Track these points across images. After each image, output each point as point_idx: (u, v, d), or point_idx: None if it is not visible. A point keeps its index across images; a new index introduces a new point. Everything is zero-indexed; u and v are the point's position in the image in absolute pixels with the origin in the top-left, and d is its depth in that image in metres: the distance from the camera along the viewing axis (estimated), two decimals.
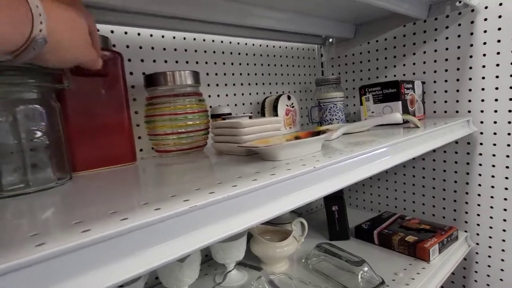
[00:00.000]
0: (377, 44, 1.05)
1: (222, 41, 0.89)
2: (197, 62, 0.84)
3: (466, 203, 0.92)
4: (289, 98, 0.92)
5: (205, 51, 0.86)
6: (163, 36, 0.77)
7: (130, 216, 0.27)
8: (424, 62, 0.95)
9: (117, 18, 0.63)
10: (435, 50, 0.92)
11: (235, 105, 0.94)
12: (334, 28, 1.01)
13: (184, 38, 0.81)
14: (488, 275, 0.90)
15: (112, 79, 0.51)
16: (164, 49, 0.77)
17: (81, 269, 0.23)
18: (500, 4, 0.79)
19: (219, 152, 0.63)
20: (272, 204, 0.36)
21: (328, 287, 0.69)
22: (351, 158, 0.47)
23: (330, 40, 1.16)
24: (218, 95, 0.89)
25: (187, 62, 0.82)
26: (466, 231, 0.93)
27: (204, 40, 0.85)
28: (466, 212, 0.92)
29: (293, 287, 0.69)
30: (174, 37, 0.79)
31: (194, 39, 0.83)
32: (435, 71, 0.93)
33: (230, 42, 0.92)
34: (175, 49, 0.80)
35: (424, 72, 0.95)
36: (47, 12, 0.30)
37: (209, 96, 0.87)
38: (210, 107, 0.87)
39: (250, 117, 0.72)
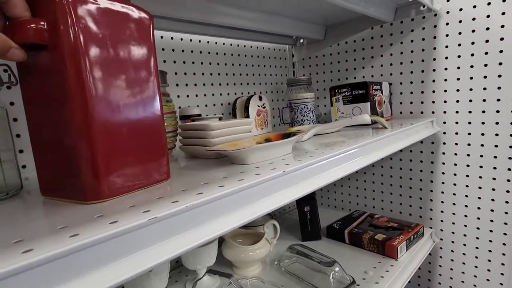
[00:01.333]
0: (346, 46, 1.07)
1: (191, 40, 0.87)
2: (164, 61, 0.81)
3: (431, 200, 0.95)
4: (260, 98, 0.90)
5: (173, 50, 0.83)
6: None
7: (81, 231, 0.24)
8: (391, 64, 0.97)
9: None
10: (401, 53, 0.95)
11: (206, 105, 0.91)
12: (304, 29, 1.02)
13: None
14: (451, 269, 0.94)
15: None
16: None
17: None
18: (460, 10, 0.82)
19: (188, 155, 0.61)
20: (241, 211, 0.35)
21: None
22: (322, 161, 0.47)
23: (301, 40, 1.16)
24: (188, 96, 0.87)
25: None
26: (431, 227, 0.96)
27: (172, 38, 0.82)
28: (431, 209, 0.96)
29: None
30: None
31: (162, 37, 0.80)
32: (401, 73, 0.95)
33: (200, 41, 0.89)
34: None
35: (391, 74, 0.97)
36: None
37: (178, 96, 0.84)
38: (179, 107, 0.84)
39: (220, 119, 0.71)
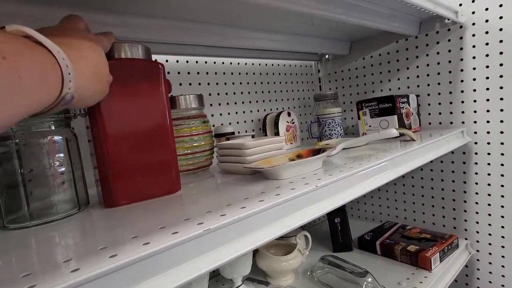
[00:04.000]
0: (371, 60, 1.09)
1: (223, 62, 0.93)
2: (199, 84, 0.88)
3: (465, 211, 0.94)
4: (289, 114, 0.95)
5: (207, 73, 0.90)
6: (167, 61, 0.81)
7: (151, 240, 0.29)
8: (418, 76, 0.98)
9: None
10: (427, 65, 0.96)
11: (237, 122, 0.97)
12: (329, 46, 1.06)
13: (187, 62, 0.85)
14: (490, 281, 0.92)
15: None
16: (168, 72, 0.81)
17: None
18: (487, 21, 0.83)
19: (224, 171, 0.66)
20: (278, 223, 0.39)
21: None
22: (351, 175, 0.50)
23: (326, 56, 1.20)
24: (221, 114, 0.93)
25: (190, 84, 0.86)
26: (466, 239, 0.95)
27: (206, 62, 0.89)
28: (465, 220, 0.94)
29: None
30: (177, 61, 0.83)
31: (197, 62, 0.87)
32: (428, 85, 0.96)
33: (231, 63, 0.95)
34: (179, 72, 0.83)
35: (418, 86, 0.99)
36: (74, 66, 0.30)
37: (212, 115, 0.91)
38: (213, 125, 0.90)
39: (253, 136, 0.76)
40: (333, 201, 0.46)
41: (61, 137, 0.44)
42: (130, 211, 0.42)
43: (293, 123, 0.96)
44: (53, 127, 0.43)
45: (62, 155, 0.43)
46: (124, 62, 0.46)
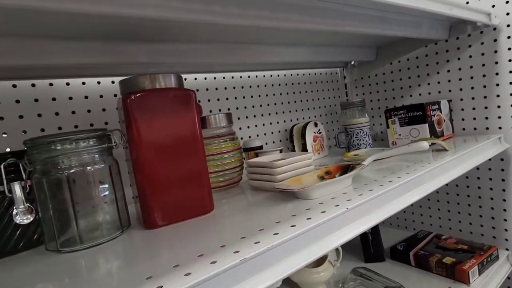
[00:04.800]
0: (399, 65, 1.07)
1: (248, 76, 0.95)
2: (227, 99, 0.90)
3: (505, 220, 0.90)
4: (316, 125, 0.95)
5: (234, 87, 0.92)
6: (195, 79, 0.84)
7: (192, 270, 0.31)
8: (449, 81, 0.95)
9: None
10: (459, 69, 0.93)
11: (265, 134, 0.99)
12: (355, 53, 1.05)
13: (214, 78, 0.88)
14: None
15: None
16: (197, 90, 0.84)
17: None
18: None
19: (254, 188, 0.68)
20: (310, 248, 0.40)
21: None
22: (382, 194, 0.50)
23: (352, 62, 1.19)
24: (248, 127, 0.95)
25: (218, 100, 0.88)
26: (507, 249, 0.90)
27: (232, 77, 0.91)
28: (506, 230, 0.90)
29: None
30: (205, 78, 0.86)
31: (224, 77, 0.90)
32: (461, 89, 0.93)
33: (256, 76, 0.97)
34: (207, 89, 0.86)
35: (450, 91, 0.96)
36: None
37: (240, 128, 0.93)
38: (241, 138, 0.92)
39: (281, 151, 0.77)
40: (365, 221, 0.47)
41: (103, 165, 0.47)
42: (169, 234, 0.44)
43: (320, 133, 0.96)
44: (97, 157, 0.46)
45: (106, 182, 0.47)
46: (159, 92, 0.48)
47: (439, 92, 0.98)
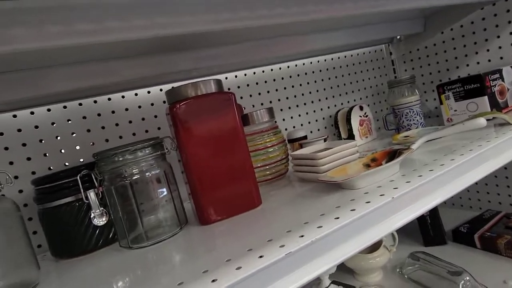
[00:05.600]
0: (452, 33, 0.98)
1: (288, 66, 0.95)
2: (268, 92, 0.92)
3: None
4: (361, 108, 0.93)
5: (273, 80, 0.93)
6: (236, 76, 0.87)
7: (243, 264, 0.34)
8: None
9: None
10: None
11: (309, 123, 0.99)
12: (401, 27, 0.98)
13: (254, 73, 0.89)
14: None
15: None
16: (238, 87, 0.87)
17: None
18: None
19: (299, 179, 0.69)
20: (355, 239, 0.40)
21: None
22: (432, 179, 0.48)
23: (398, 37, 1.12)
24: (292, 117, 0.95)
25: (259, 94, 0.90)
26: None
27: (271, 70, 0.92)
28: None
29: None
30: (245, 74, 0.88)
31: (263, 71, 0.91)
32: None
33: (296, 65, 0.97)
34: (248, 85, 0.88)
35: None
36: None
37: (283, 119, 0.94)
38: (286, 129, 0.94)
39: (325, 139, 0.77)
40: (413, 209, 0.46)
41: (159, 170, 0.52)
42: (221, 229, 0.48)
43: (366, 116, 0.93)
44: (153, 163, 0.52)
45: (162, 184, 0.52)
46: (202, 98, 0.52)
47: (501, 58, 0.89)
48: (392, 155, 0.58)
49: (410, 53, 1.11)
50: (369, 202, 0.44)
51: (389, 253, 0.81)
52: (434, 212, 0.89)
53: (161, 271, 0.39)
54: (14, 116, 0.62)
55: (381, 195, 0.45)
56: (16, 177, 0.61)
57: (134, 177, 0.50)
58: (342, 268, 0.84)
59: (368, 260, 0.79)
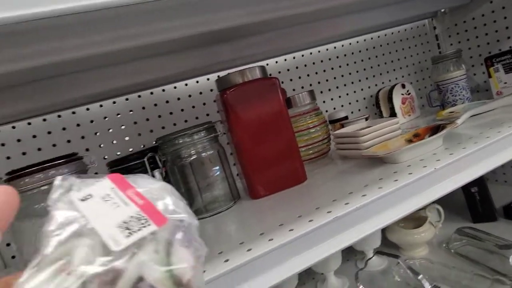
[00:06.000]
0: (502, 1, 0.93)
1: (327, 49, 0.97)
2: (308, 75, 0.94)
3: None
4: (403, 86, 0.92)
5: (313, 63, 0.95)
6: (276, 62, 0.90)
7: (295, 227, 0.39)
8: None
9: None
10: None
11: (349, 103, 1.00)
12: (446, 0, 0.95)
13: (294, 58, 0.92)
14: None
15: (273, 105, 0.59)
16: (279, 72, 0.91)
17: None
18: None
19: (341, 156, 0.72)
20: (398, 207, 0.43)
21: (475, 271, 0.69)
22: (476, 152, 0.49)
23: (442, 10, 1.07)
24: (332, 99, 0.97)
25: (299, 78, 0.93)
26: None
27: (310, 53, 0.95)
28: None
29: (435, 272, 0.73)
30: (285, 60, 0.91)
31: (302, 55, 0.93)
32: None
33: (335, 47, 0.98)
34: (288, 70, 0.92)
35: None
36: None
37: (324, 102, 0.96)
38: (326, 111, 0.96)
39: (367, 118, 0.78)
40: (455, 180, 0.47)
41: (213, 151, 0.58)
42: (271, 202, 0.53)
43: (408, 94, 0.92)
44: (208, 145, 0.58)
45: (216, 164, 0.58)
46: (249, 84, 0.56)
47: None
48: (435, 130, 0.59)
49: (455, 26, 1.07)
50: (411, 173, 0.46)
51: (435, 229, 0.81)
52: (483, 188, 0.87)
53: (223, 236, 0.45)
54: (87, 109, 0.72)
55: (423, 166, 0.47)
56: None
57: (192, 157, 0.56)
58: (387, 243, 0.86)
59: (413, 235, 0.80)
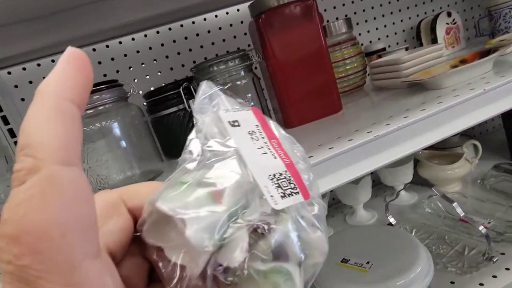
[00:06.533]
0: None
1: None
2: (343, 5, 0.88)
3: None
4: (449, 14, 0.84)
5: None
6: None
7: (334, 146, 0.40)
8: None
9: None
10: None
11: (387, 36, 0.94)
12: None
13: None
14: None
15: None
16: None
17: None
18: None
19: (379, 88, 0.69)
20: (440, 129, 0.42)
21: (510, 203, 0.68)
22: None
23: None
24: (369, 31, 0.91)
25: (334, 8, 0.87)
26: None
27: None
28: None
29: (468, 205, 0.72)
30: None
31: None
32: None
33: None
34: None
35: None
36: None
37: (360, 34, 0.91)
38: (362, 44, 0.91)
39: (407, 49, 0.74)
40: (508, 101, 0.45)
41: (248, 79, 0.58)
42: (307, 129, 0.53)
43: (454, 23, 0.85)
44: (242, 73, 0.57)
45: (251, 92, 0.58)
46: (284, 7, 0.53)
47: None
48: (485, 55, 0.55)
49: None
50: (457, 95, 0.44)
51: (470, 165, 0.80)
52: None
53: None
54: (120, 42, 0.72)
55: (470, 89, 0.45)
56: None
57: (227, 86, 0.56)
58: (418, 179, 0.86)
59: (446, 171, 0.79)
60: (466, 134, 0.97)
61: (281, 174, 0.15)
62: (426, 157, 0.86)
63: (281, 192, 0.14)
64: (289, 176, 0.15)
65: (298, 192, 0.15)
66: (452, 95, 0.45)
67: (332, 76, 0.57)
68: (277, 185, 0.14)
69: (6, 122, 0.66)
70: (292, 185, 0.15)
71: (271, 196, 0.14)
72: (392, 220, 0.73)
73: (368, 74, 0.74)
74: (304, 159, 0.17)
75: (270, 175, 0.15)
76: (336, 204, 0.95)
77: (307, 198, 0.15)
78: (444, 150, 0.89)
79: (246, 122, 0.16)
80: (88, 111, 0.48)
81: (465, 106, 0.43)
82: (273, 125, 0.18)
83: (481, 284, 0.54)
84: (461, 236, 0.63)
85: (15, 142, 0.67)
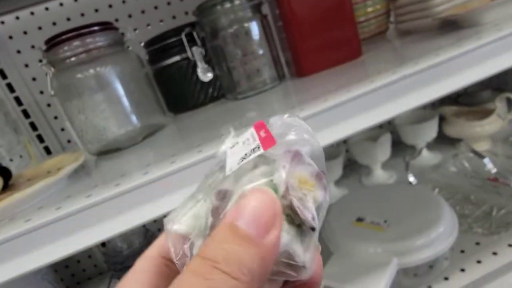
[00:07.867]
0: None
1: None
2: None
3: None
4: None
5: None
6: None
7: (332, 99, 0.34)
8: None
9: None
10: None
11: None
12: None
13: None
14: None
15: None
16: None
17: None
18: None
19: (403, 33, 0.62)
20: (479, 67, 0.36)
21: None
22: None
23: None
24: None
25: None
26: None
27: None
28: None
29: (498, 164, 0.66)
30: None
31: None
32: None
33: None
34: None
35: None
36: None
37: None
38: None
39: None
40: None
41: (256, 20, 0.52)
42: (321, 78, 0.48)
43: None
44: (250, 14, 0.51)
45: (260, 35, 0.52)
46: None
47: None
48: None
49: None
50: (500, 30, 0.37)
51: (502, 122, 0.72)
52: None
53: (265, 109, 0.42)
54: None
55: None
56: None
57: (234, 27, 0.51)
58: (443, 137, 0.79)
59: (475, 128, 0.72)
60: (499, 88, 0.88)
61: (252, 149, 0.16)
62: (453, 113, 0.79)
63: (241, 160, 0.16)
64: (258, 144, 0.16)
65: (259, 147, 0.16)
66: (494, 29, 0.38)
67: (351, 16, 0.50)
68: (242, 159, 0.16)
69: (4, 76, 0.63)
70: (256, 148, 0.16)
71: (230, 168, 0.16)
72: (412, 179, 0.68)
73: (391, 22, 0.66)
74: (300, 132, 0.16)
75: (241, 157, 0.16)
76: (351, 165, 0.91)
77: (269, 146, 0.15)
78: (472, 106, 0.81)
79: (243, 138, 0.18)
80: (81, 56, 0.44)
81: (510, 41, 0.37)
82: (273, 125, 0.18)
83: (511, 245, 0.49)
84: (489, 195, 0.58)
85: (15, 98, 0.64)
